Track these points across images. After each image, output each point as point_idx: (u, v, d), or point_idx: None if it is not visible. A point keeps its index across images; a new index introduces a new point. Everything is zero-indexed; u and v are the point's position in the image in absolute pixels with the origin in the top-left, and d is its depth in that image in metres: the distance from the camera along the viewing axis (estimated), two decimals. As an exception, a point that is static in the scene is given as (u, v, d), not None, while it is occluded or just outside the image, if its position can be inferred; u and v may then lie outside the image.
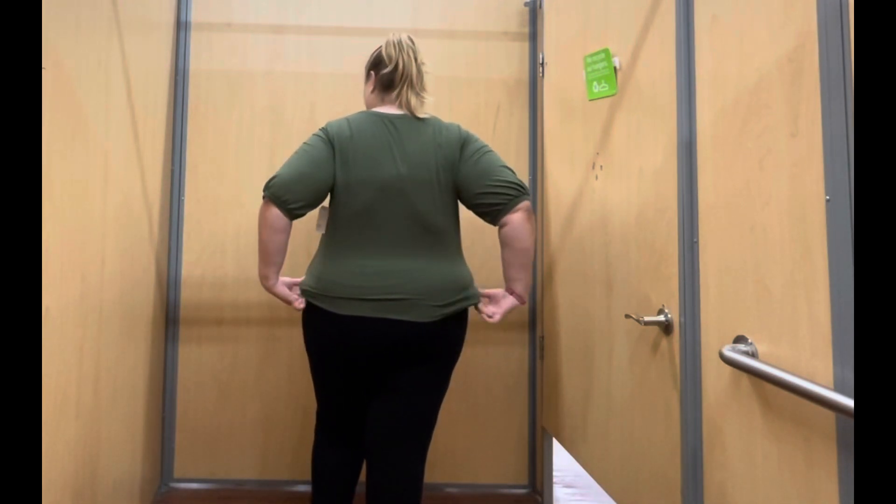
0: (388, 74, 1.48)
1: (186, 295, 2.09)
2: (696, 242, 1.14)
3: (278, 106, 2.14)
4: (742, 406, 0.99)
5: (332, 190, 1.44)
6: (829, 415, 0.80)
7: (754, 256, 0.96)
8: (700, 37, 1.14)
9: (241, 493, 2.04)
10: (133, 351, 1.71)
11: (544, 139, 2.06)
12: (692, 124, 1.16)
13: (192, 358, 2.09)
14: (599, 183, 1.59)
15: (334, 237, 1.45)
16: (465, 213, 1.55)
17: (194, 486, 2.07)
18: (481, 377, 2.14)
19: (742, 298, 0.99)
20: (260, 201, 2.10)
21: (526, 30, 2.21)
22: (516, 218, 1.40)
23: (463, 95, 2.18)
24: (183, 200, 2.11)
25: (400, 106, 1.49)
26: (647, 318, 1.25)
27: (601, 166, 1.58)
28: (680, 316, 1.18)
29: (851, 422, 0.76)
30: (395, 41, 1.48)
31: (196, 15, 2.15)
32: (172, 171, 2.09)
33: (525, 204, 1.42)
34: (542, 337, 2.09)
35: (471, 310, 1.74)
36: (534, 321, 2.16)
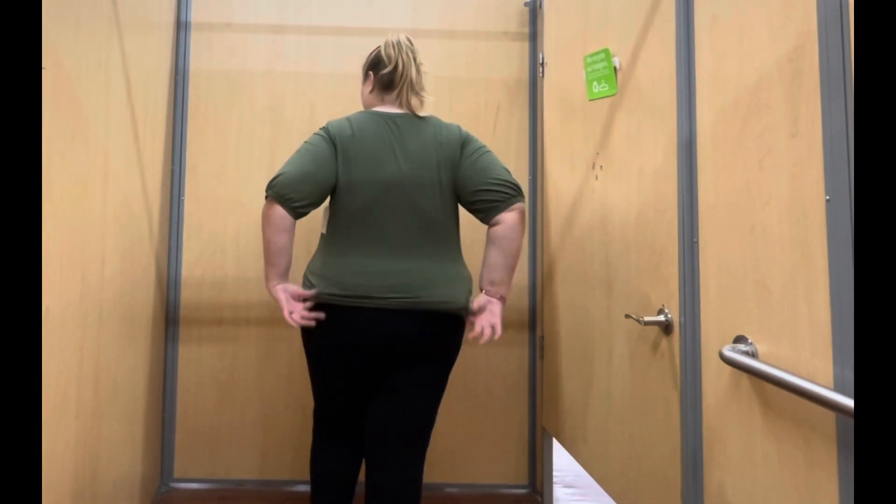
0: (387, 75, 1.49)
1: (186, 295, 2.09)
2: (696, 242, 1.14)
3: (278, 106, 2.14)
4: (742, 406, 0.99)
5: (333, 189, 1.45)
6: (829, 415, 0.80)
7: (754, 256, 0.96)
8: (700, 37, 1.14)
9: (241, 493, 2.04)
10: (133, 351, 1.70)
11: (544, 139, 2.06)
12: (692, 124, 1.16)
13: (192, 358, 2.09)
14: (599, 183, 1.59)
15: (335, 237, 1.45)
16: (465, 212, 1.55)
17: (194, 486, 2.07)
18: (481, 377, 2.14)
19: (742, 298, 0.99)
20: (260, 201, 2.12)
21: (526, 30, 2.21)
22: (510, 217, 1.41)
23: (463, 95, 2.18)
24: (183, 200, 2.10)
25: (400, 105, 1.50)
26: (647, 318, 1.25)
27: (601, 166, 1.58)
28: (680, 316, 1.18)
29: (851, 422, 0.76)
30: (394, 41, 1.49)
31: (196, 15, 2.15)
32: (172, 171, 2.09)
33: (520, 205, 1.43)
34: (542, 337, 2.09)
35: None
36: (534, 321, 2.16)
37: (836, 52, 0.79)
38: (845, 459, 0.77)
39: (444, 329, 1.43)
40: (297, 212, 1.39)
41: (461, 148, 1.47)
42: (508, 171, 1.45)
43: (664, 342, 1.25)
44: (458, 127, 1.51)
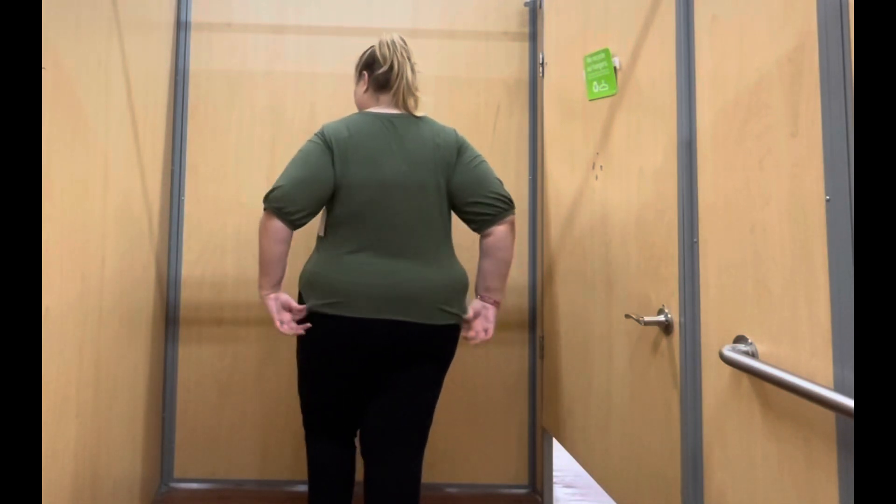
0: (383, 75, 1.49)
1: (186, 295, 2.09)
2: (696, 242, 1.14)
3: (278, 106, 2.14)
4: (742, 406, 0.99)
5: (332, 192, 1.45)
6: (829, 415, 0.80)
7: (754, 256, 0.96)
8: (700, 37, 1.14)
9: (241, 493, 2.04)
10: (133, 351, 1.70)
11: (544, 139, 2.06)
12: (692, 124, 1.16)
13: (192, 358, 2.09)
14: (599, 183, 1.59)
15: (334, 237, 1.45)
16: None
17: (194, 485, 2.07)
18: (481, 377, 2.14)
19: (742, 298, 0.99)
20: (260, 201, 2.12)
21: (526, 30, 2.21)
22: (502, 230, 1.48)
23: (463, 95, 2.18)
24: (183, 200, 2.10)
25: (397, 106, 1.50)
26: (647, 318, 1.25)
27: (601, 166, 1.58)
28: (680, 316, 1.18)
29: (851, 422, 0.76)
30: (389, 41, 1.49)
31: (196, 15, 2.15)
32: (172, 171, 2.09)
33: (511, 218, 1.50)
34: (542, 337, 2.09)
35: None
36: (534, 321, 2.16)
37: (836, 52, 0.79)
38: (845, 459, 0.77)
39: (443, 328, 1.45)
40: (296, 224, 1.41)
41: (458, 153, 1.49)
42: (501, 183, 1.51)
43: (664, 342, 1.25)
44: (454, 131, 1.53)
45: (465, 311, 1.50)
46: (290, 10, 2.17)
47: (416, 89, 1.51)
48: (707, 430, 1.10)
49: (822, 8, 0.82)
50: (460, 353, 2.15)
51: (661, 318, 1.24)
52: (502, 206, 1.48)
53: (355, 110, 1.62)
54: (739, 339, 0.99)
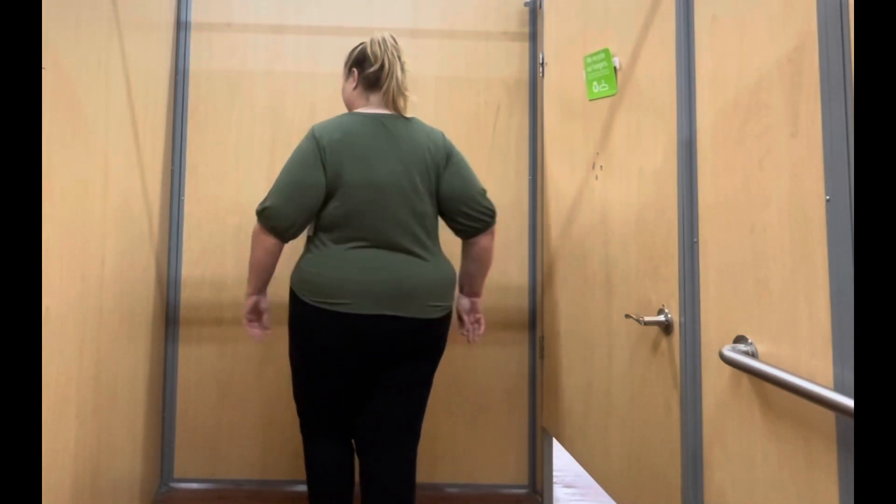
0: (374, 73, 1.50)
1: (186, 295, 2.09)
2: (696, 242, 1.14)
3: (278, 106, 2.14)
4: (742, 406, 0.99)
5: (326, 193, 1.45)
6: (829, 415, 0.80)
7: (754, 256, 0.96)
8: (700, 37, 1.14)
9: (241, 493, 2.04)
10: (133, 351, 1.70)
11: (544, 139, 2.06)
12: (692, 124, 1.16)
13: (192, 358, 2.09)
14: (599, 183, 1.59)
15: (329, 236, 1.45)
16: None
17: (194, 486, 2.07)
18: (481, 377, 2.14)
19: (742, 298, 0.99)
20: (260, 201, 2.11)
21: (526, 30, 2.21)
22: (485, 240, 1.57)
23: (463, 95, 2.18)
24: (183, 200, 2.10)
25: (387, 105, 1.51)
26: (647, 318, 1.25)
27: (601, 166, 1.58)
28: (680, 316, 1.18)
29: (851, 422, 0.76)
30: (380, 39, 1.50)
31: (196, 15, 2.15)
32: (172, 171, 2.09)
33: (493, 228, 1.60)
34: (542, 337, 2.09)
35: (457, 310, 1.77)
36: (534, 321, 2.16)
37: (836, 52, 0.79)
38: (845, 459, 0.77)
39: (435, 323, 1.48)
40: (287, 239, 1.46)
41: (446, 158, 1.52)
42: (485, 192, 1.56)
43: (664, 342, 1.25)
44: (442, 134, 1.56)
45: (452, 301, 1.56)
46: (290, 10, 2.17)
47: (406, 89, 1.52)
48: (707, 430, 1.10)
49: (822, 8, 0.82)
50: (461, 353, 2.15)
51: (661, 318, 1.24)
52: (487, 220, 1.55)
53: (356, 110, 1.63)
54: (739, 339, 0.99)
